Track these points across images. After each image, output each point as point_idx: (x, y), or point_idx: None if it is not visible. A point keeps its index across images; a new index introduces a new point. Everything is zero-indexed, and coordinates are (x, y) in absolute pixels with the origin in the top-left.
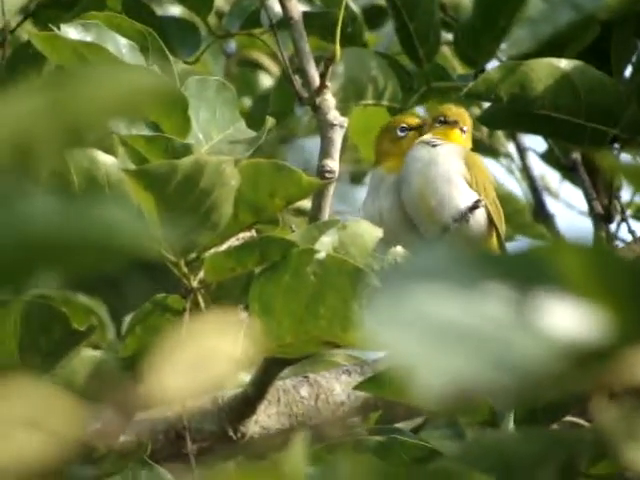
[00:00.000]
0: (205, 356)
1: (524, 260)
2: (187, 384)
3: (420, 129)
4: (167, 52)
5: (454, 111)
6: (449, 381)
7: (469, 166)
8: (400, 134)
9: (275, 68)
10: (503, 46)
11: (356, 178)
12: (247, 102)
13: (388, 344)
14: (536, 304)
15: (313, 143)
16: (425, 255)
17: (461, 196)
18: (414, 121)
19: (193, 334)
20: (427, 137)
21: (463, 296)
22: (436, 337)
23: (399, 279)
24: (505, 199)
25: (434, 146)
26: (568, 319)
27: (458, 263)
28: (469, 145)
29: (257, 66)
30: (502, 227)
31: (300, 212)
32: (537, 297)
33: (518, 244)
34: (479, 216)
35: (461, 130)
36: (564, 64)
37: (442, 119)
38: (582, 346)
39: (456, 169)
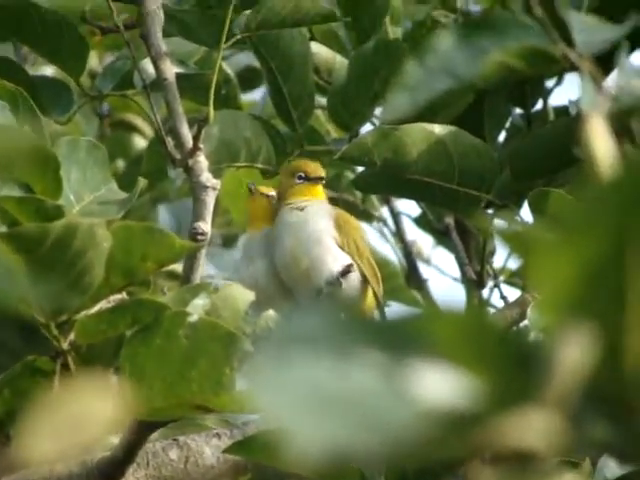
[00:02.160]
0: (75, 419)
1: (398, 326)
2: (57, 446)
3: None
4: (38, 112)
5: (313, 167)
6: (323, 446)
7: (340, 226)
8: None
9: (149, 130)
10: (377, 111)
11: (228, 241)
12: (121, 165)
13: (262, 408)
14: (409, 370)
15: (186, 206)
16: (301, 319)
17: (333, 258)
18: (268, 190)
19: (63, 397)
20: (293, 200)
21: (338, 361)
22: (310, 402)
23: (275, 343)
24: (378, 263)
25: (302, 209)
26: (440, 385)
27: (333, 328)
28: (325, 197)
29: (131, 128)
30: (379, 287)
31: (172, 275)
32: (410, 363)
33: (392, 310)
34: (353, 279)
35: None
36: (438, 129)
37: (302, 175)
38: (453, 412)
39: (327, 230)
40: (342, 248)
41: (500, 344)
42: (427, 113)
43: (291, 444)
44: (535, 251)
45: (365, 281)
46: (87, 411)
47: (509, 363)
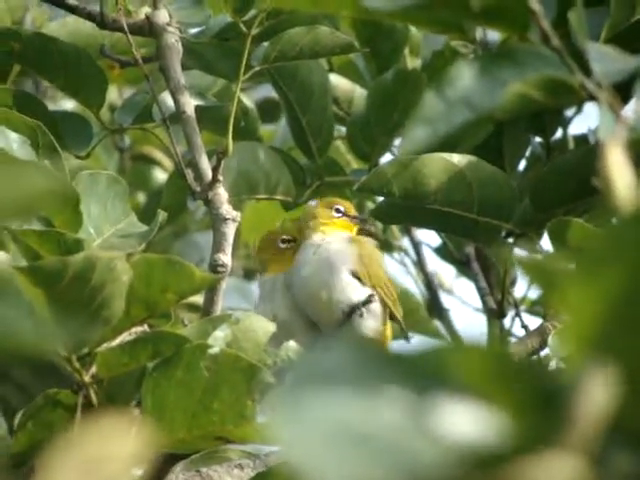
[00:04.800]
0: (99, 455)
1: (422, 360)
2: None
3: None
4: (57, 147)
5: (348, 205)
6: None
7: (360, 256)
8: (282, 245)
9: (169, 163)
10: (397, 141)
11: (249, 273)
12: (141, 198)
13: (287, 445)
14: (433, 407)
15: (207, 238)
16: (323, 354)
17: (353, 289)
18: (293, 233)
19: (87, 433)
20: (316, 236)
21: (361, 397)
22: (335, 439)
23: (299, 378)
24: (400, 294)
25: (322, 244)
26: (464, 422)
27: (355, 362)
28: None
29: (151, 161)
30: (398, 310)
31: (193, 307)
32: (434, 400)
33: (415, 342)
34: (374, 309)
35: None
36: (457, 159)
37: (341, 209)
38: (480, 450)
39: (346, 262)
40: (362, 279)
41: (523, 379)
42: (446, 143)
43: None
44: (557, 283)
45: (386, 311)
46: (110, 447)
47: (533, 399)
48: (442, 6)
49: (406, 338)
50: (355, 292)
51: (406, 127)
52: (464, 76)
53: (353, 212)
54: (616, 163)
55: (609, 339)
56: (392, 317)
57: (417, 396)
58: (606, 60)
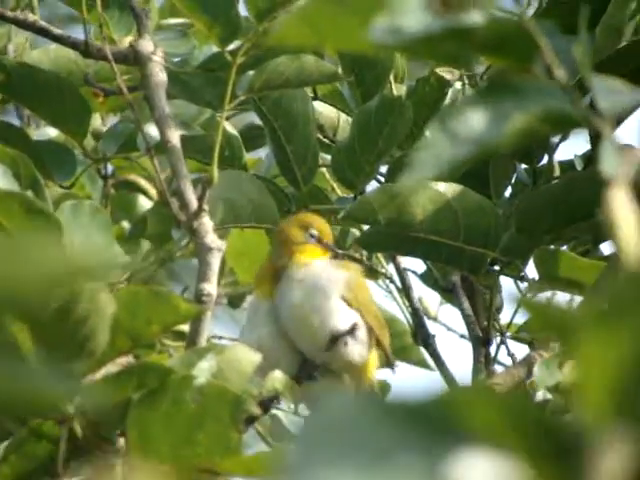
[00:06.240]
0: None
1: (431, 410)
2: None
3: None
4: (39, 177)
5: (326, 230)
6: None
7: (348, 283)
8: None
9: (153, 190)
10: (383, 168)
11: (234, 301)
12: (126, 225)
13: None
14: (449, 463)
15: (194, 265)
16: (329, 411)
17: (340, 316)
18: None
19: None
20: (300, 257)
21: (371, 464)
22: None
23: (300, 447)
24: (386, 321)
25: (309, 267)
26: (484, 474)
27: (360, 422)
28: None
29: (135, 188)
30: (386, 337)
31: (179, 334)
32: (449, 454)
33: (420, 391)
34: (360, 335)
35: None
36: (443, 188)
37: (315, 235)
38: None
39: (335, 288)
40: (350, 305)
41: (542, 429)
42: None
43: None
44: (569, 332)
45: (372, 338)
46: None
47: (552, 451)
48: (449, 39)
49: (391, 367)
50: (343, 318)
51: (409, 162)
52: (467, 109)
53: (327, 236)
54: (620, 203)
55: (625, 394)
56: (379, 344)
57: (430, 452)
58: (611, 93)
